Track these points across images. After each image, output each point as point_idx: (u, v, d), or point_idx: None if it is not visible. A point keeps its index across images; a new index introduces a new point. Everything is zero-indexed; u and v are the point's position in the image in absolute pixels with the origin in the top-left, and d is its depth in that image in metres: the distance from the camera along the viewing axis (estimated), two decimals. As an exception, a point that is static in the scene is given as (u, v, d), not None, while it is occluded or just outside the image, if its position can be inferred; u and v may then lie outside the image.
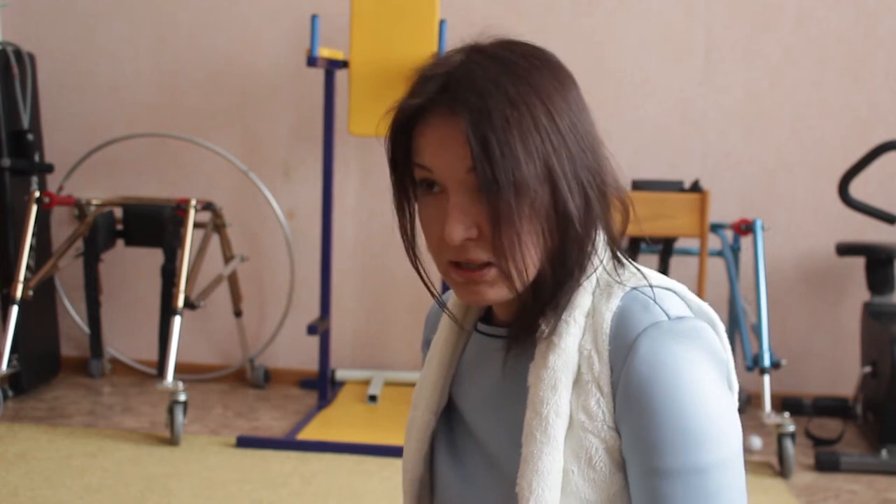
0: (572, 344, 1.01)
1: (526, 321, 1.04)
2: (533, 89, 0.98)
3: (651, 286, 1.02)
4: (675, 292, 1.04)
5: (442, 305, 1.15)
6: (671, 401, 0.96)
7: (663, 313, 0.99)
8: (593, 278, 1.03)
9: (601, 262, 1.04)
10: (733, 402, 1.02)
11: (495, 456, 1.08)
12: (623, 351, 0.98)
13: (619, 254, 1.05)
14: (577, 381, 1.00)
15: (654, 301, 1.01)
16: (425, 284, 1.10)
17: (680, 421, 0.96)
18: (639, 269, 1.05)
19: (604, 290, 1.03)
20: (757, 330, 3.46)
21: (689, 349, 0.98)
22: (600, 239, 1.05)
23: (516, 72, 0.99)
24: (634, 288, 1.02)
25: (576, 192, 0.99)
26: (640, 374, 0.97)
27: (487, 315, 1.15)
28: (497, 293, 1.01)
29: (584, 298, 1.02)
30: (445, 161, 0.99)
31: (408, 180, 1.05)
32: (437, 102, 0.99)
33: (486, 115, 0.96)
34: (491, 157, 0.95)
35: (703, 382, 0.97)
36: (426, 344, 1.24)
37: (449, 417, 1.16)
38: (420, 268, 1.09)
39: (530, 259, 0.99)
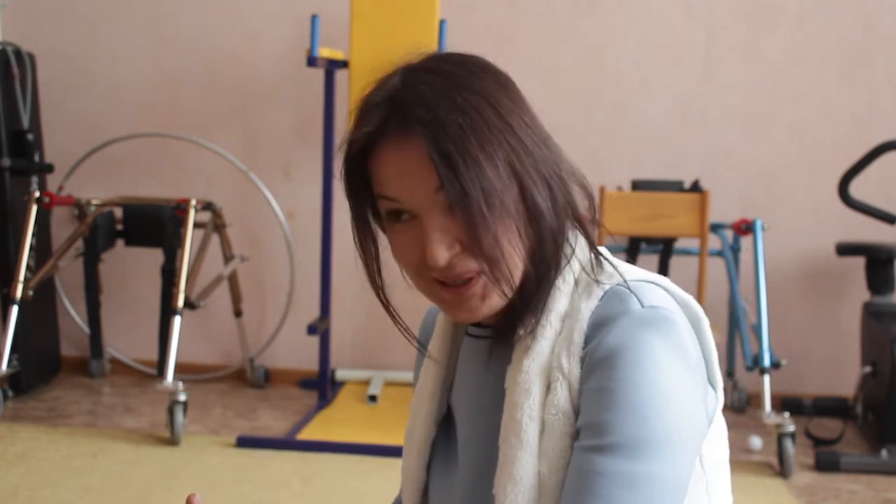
0: (547, 347, 1.00)
1: (507, 323, 1.03)
2: (478, 94, 0.98)
3: (626, 281, 1.01)
4: (658, 285, 1.03)
5: (419, 345, 1.16)
6: (626, 387, 0.94)
7: (637, 302, 0.98)
8: (570, 280, 1.02)
9: (580, 263, 1.03)
10: (699, 398, 1.00)
11: (471, 461, 1.08)
12: (595, 341, 0.97)
13: (597, 254, 1.04)
14: (551, 383, 0.99)
15: (632, 292, 0.99)
16: (393, 320, 1.09)
17: (633, 410, 0.94)
18: (616, 267, 1.03)
19: (583, 292, 1.01)
20: (757, 330, 3.46)
21: (657, 339, 0.96)
22: (577, 237, 1.04)
23: (457, 80, 0.98)
24: (616, 285, 1.01)
25: (541, 186, 0.99)
26: (603, 357, 0.96)
27: None
28: (489, 304, 1.00)
29: (559, 302, 1.01)
30: (410, 187, 0.98)
31: (369, 213, 1.04)
32: (388, 126, 0.98)
33: (441, 127, 0.95)
34: (456, 169, 0.94)
35: (665, 375, 0.95)
36: (423, 348, 1.23)
37: (448, 425, 1.15)
38: (389, 305, 1.08)
39: (513, 260, 0.98)
